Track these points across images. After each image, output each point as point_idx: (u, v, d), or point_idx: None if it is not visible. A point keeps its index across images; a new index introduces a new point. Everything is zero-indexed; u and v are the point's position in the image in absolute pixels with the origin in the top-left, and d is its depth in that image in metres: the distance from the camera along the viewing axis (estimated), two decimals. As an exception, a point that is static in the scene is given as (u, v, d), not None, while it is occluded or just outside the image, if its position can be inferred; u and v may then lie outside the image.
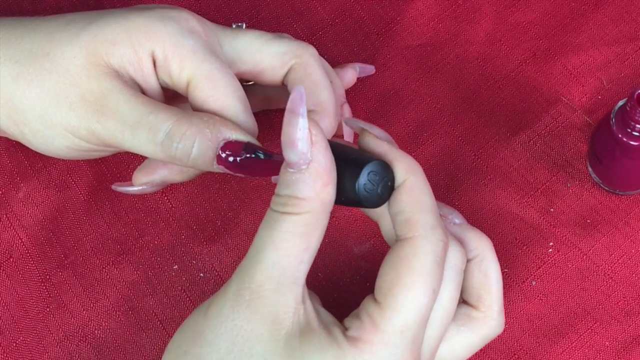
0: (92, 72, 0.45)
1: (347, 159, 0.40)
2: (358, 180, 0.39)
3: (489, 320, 0.43)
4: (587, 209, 0.54)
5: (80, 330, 0.52)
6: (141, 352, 0.52)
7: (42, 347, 0.52)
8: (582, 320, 0.51)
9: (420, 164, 0.41)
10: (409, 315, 0.38)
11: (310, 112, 0.48)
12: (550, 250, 0.53)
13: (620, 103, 0.48)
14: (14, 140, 0.55)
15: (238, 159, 0.43)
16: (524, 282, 0.52)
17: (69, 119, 0.46)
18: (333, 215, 0.48)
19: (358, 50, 0.59)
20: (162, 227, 0.54)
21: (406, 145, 0.56)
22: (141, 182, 0.50)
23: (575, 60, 0.57)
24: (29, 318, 0.52)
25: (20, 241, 0.54)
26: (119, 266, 0.53)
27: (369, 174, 0.39)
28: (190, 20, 0.47)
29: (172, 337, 0.52)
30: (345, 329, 0.39)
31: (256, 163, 0.43)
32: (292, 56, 0.49)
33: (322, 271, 0.53)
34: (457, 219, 0.44)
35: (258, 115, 0.51)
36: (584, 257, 0.52)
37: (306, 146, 0.38)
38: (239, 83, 0.47)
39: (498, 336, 0.44)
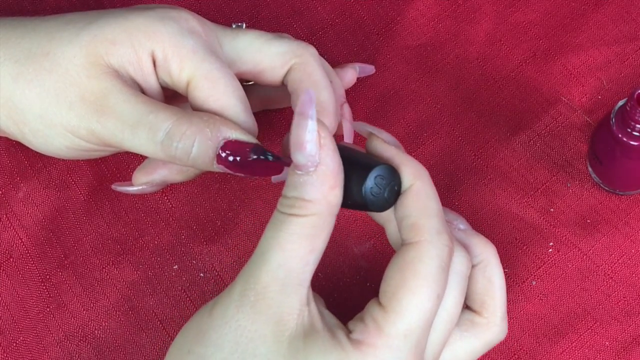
0: (92, 71, 0.45)
1: (355, 163, 0.40)
2: (365, 183, 0.39)
3: (492, 326, 0.43)
4: (587, 209, 0.54)
5: (80, 330, 0.52)
6: (141, 352, 0.52)
7: (42, 347, 0.52)
8: (582, 320, 0.51)
9: (421, 161, 0.42)
10: (413, 320, 0.38)
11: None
12: (550, 250, 0.53)
13: (620, 103, 0.48)
14: (14, 140, 0.55)
15: (243, 159, 0.43)
16: (524, 282, 0.52)
17: (69, 118, 0.46)
18: (333, 215, 0.48)
19: (358, 50, 0.59)
20: (162, 227, 0.54)
21: (406, 145, 0.56)
22: (141, 181, 0.50)
23: (575, 60, 0.57)
24: (29, 318, 0.52)
25: (20, 241, 0.54)
26: (119, 266, 0.53)
27: (375, 177, 0.39)
28: (190, 20, 0.47)
29: (172, 337, 0.52)
30: (349, 332, 0.39)
31: (256, 163, 0.43)
32: (292, 56, 0.49)
33: (322, 271, 0.53)
34: (461, 224, 0.44)
35: (258, 115, 0.51)
36: (584, 257, 0.52)
37: (315, 149, 0.38)
38: (238, 83, 0.47)
39: (498, 336, 0.44)
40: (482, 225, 0.53)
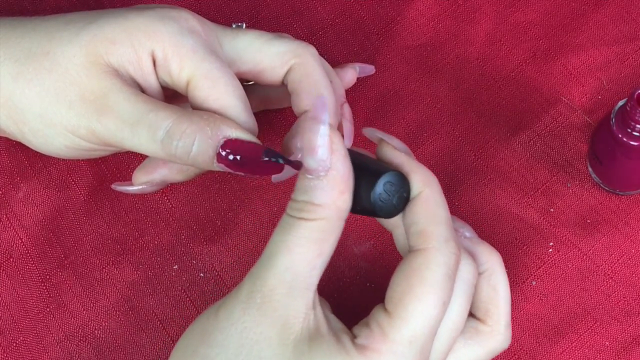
0: (91, 71, 0.45)
1: (365, 168, 0.40)
2: (374, 190, 0.39)
3: (495, 335, 0.43)
4: (587, 209, 0.54)
5: (80, 330, 0.52)
6: (141, 352, 0.52)
7: (42, 347, 0.52)
8: (582, 320, 0.51)
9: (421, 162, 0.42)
10: (418, 326, 0.38)
11: (309, 112, 0.48)
12: (550, 250, 0.53)
13: (620, 103, 0.48)
14: (14, 140, 0.55)
15: (243, 158, 0.43)
16: (524, 282, 0.52)
17: (69, 117, 0.46)
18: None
19: (358, 50, 0.59)
20: (162, 227, 0.54)
21: (406, 145, 0.56)
22: (141, 181, 0.50)
23: (575, 60, 0.57)
24: (29, 318, 0.52)
25: (20, 241, 0.54)
26: (119, 266, 0.53)
27: (385, 184, 0.40)
28: (190, 19, 0.47)
29: (172, 337, 0.52)
30: (353, 337, 0.39)
31: (257, 162, 0.43)
32: (292, 56, 0.49)
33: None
34: (467, 232, 0.44)
35: (258, 115, 0.51)
36: (584, 257, 0.52)
37: (326, 153, 0.38)
38: (238, 82, 0.47)
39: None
40: (482, 225, 0.53)
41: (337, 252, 0.53)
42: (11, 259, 0.54)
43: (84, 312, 0.52)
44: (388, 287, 0.40)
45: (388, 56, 0.58)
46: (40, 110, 0.46)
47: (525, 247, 0.53)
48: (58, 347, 0.52)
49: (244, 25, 0.52)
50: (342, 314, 0.42)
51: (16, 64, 0.46)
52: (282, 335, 0.38)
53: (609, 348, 0.50)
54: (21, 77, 0.46)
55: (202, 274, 0.53)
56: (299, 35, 0.59)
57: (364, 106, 0.57)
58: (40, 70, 0.46)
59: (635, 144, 0.47)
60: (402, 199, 0.40)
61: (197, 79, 0.45)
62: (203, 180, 0.55)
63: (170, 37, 0.46)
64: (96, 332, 0.52)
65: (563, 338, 0.51)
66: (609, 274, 0.52)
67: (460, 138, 0.56)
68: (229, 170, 0.44)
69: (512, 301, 0.51)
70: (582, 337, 0.51)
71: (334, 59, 0.58)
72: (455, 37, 0.59)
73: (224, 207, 0.55)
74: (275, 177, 0.46)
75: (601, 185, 0.53)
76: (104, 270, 0.53)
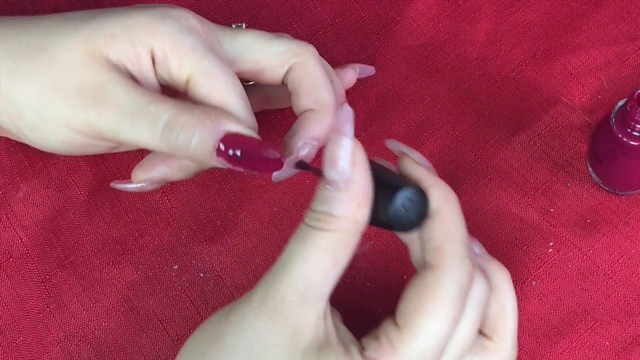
0: (89, 63, 0.45)
1: (385, 182, 0.40)
2: (393, 204, 0.39)
3: (501, 352, 0.43)
4: (587, 209, 0.54)
5: (80, 330, 0.52)
6: (141, 352, 0.52)
7: (42, 347, 0.52)
8: (582, 320, 0.51)
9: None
10: (427, 342, 0.38)
11: (310, 111, 0.48)
12: (550, 250, 0.53)
13: (620, 103, 0.48)
14: (14, 140, 0.55)
15: (243, 153, 0.43)
16: (524, 282, 0.52)
17: (65, 111, 0.45)
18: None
19: (358, 50, 0.59)
20: (162, 227, 0.54)
21: (406, 145, 0.56)
22: (140, 179, 0.49)
23: (575, 60, 0.57)
24: (29, 318, 0.52)
25: (20, 241, 0.54)
26: (119, 266, 0.53)
27: (404, 199, 0.39)
28: (190, 19, 0.47)
29: (172, 337, 0.52)
30: (362, 349, 0.39)
31: (256, 158, 0.43)
32: (292, 55, 0.49)
33: (322, 271, 0.52)
34: (477, 248, 0.44)
35: (258, 115, 0.51)
36: (584, 257, 0.52)
37: (348, 166, 0.38)
38: (238, 81, 0.46)
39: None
40: (482, 225, 0.53)
41: (337, 252, 0.53)
42: (11, 259, 0.54)
43: (84, 312, 0.52)
44: (399, 300, 0.40)
45: (388, 56, 0.58)
46: (37, 104, 0.46)
47: (525, 247, 0.53)
48: (58, 347, 0.52)
49: (244, 25, 0.52)
50: (342, 314, 0.42)
51: (15, 59, 0.46)
52: (292, 344, 0.38)
53: (609, 348, 0.50)
54: (19, 72, 0.46)
55: (202, 274, 0.53)
56: (299, 35, 0.59)
57: (364, 106, 0.57)
58: (38, 64, 0.46)
59: (635, 144, 0.47)
60: (420, 215, 0.40)
61: (196, 77, 0.45)
62: (203, 180, 0.55)
63: (170, 35, 0.46)
64: (96, 332, 0.52)
65: (563, 338, 0.51)
66: (609, 274, 0.52)
67: (460, 138, 0.56)
68: (228, 165, 0.43)
69: (512, 301, 0.51)
70: (582, 337, 0.51)
71: (334, 59, 0.58)
72: (455, 37, 0.59)
73: (224, 207, 0.55)
74: (275, 176, 0.46)
75: (601, 185, 0.53)
76: (104, 270, 0.53)
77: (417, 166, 0.42)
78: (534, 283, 0.52)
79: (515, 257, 0.53)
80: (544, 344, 0.51)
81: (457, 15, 0.59)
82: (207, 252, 0.54)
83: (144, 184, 0.49)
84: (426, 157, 0.55)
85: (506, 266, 0.51)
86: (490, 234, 0.53)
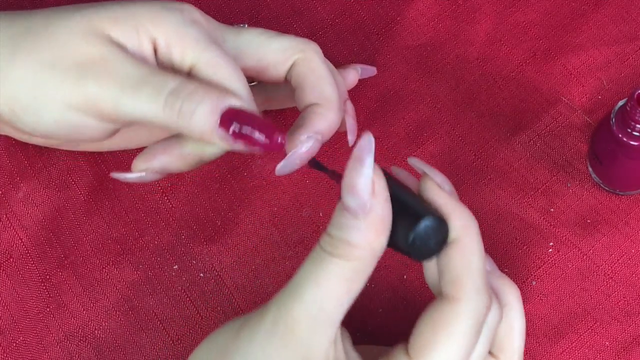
0: (91, 39, 0.44)
1: (404, 207, 0.39)
2: (412, 233, 0.38)
3: None
4: (587, 209, 0.54)
5: (80, 330, 0.52)
6: (141, 352, 0.52)
7: (42, 347, 0.52)
8: (582, 320, 0.51)
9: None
10: None
11: (314, 105, 0.47)
12: (550, 250, 0.53)
13: (620, 103, 0.48)
14: (14, 140, 0.56)
15: (241, 126, 0.42)
16: (524, 282, 0.52)
17: (63, 86, 0.44)
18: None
19: (358, 50, 0.59)
20: (162, 227, 0.54)
21: (406, 145, 0.56)
22: (140, 168, 0.47)
23: (575, 60, 0.57)
24: (29, 318, 0.52)
25: (20, 241, 0.54)
26: (119, 266, 0.53)
27: (423, 228, 0.39)
28: (193, 12, 0.47)
29: (172, 337, 0.52)
30: None
31: (258, 133, 0.42)
32: (296, 51, 0.49)
33: (322, 271, 0.52)
34: (487, 265, 0.44)
35: (258, 115, 0.51)
36: (584, 257, 0.52)
37: (367, 195, 0.38)
38: (241, 71, 0.46)
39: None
40: (482, 225, 0.53)
41: (337, 252, 0.53)
42: (11, 259, 0.54)
43: (84, 312, 0.52)
44: (413, 330, 0.40)
45: (388, 56, 0.58)
46: (34, 83, 0.45)
47: (525, 247, 0.53)
48: (58, 347, 0.52)
49: (246, 25, 0.52)
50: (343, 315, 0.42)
51: (14, 43, 0.45)
52: None
53: (609, 348, 0.50)
54: (17, 54, 0.45)
55: (202, 274, 0.53)
56: (298, 35, 0.59)
57: (364, 106, 0.57)
58: (38, 43, 0.45)
59: (635, 144, 0.47)
60: (439, 244, 0.40)
61: (199, 66, 0.45)
62: (203, 180, 0.55)
63: (173, 25, 0.45)
64: (96, 332, 0.52)
65: (563, 338, 0.51)
66: (609, 274, 0.52)
67: (460, 138, 0.56)
68: (227, 141, 0.42)
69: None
70: (582, 337, 0.51)
71: (334, 59, 0.58)
72: (455, 37, 0.59)
73: (224, 207, 0.55)
74: (278, 170, 0.46)
75: (601, 185, 0.53)
76: (104, 270, 0.53)
77: (438, 191, 0.41)
78: (534, 283, 0.52)
79: (515, 257, 0.53)
80: (544, 344, 0.51)
81: (457, 15, 0.59)
82: (207, 252, 0.54)
83: (143, 174, 0.47)
84: (426, 157, 0.55)
85: (506, 266, 0.52)
86: (490, 234, 0.53)
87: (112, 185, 0.55)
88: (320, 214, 0.54)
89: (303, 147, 0.46)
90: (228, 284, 0.53)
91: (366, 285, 0.52)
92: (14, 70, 0.45)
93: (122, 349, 0.52)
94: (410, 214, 0.39)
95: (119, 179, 0.48)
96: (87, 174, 0.56)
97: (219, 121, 0.42)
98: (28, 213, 0.55)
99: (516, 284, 0.51)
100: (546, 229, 0.53)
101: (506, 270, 0.52)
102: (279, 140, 0.43)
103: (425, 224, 0.39)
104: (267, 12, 0.60)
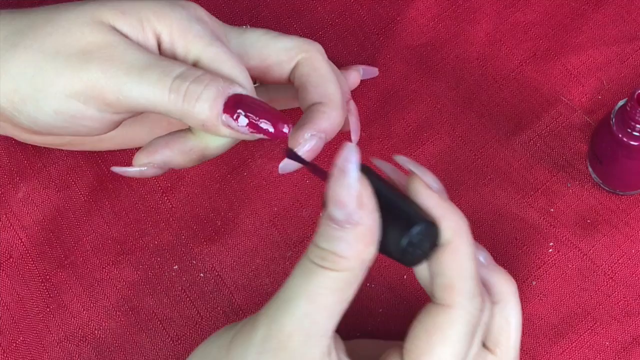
0: (95, 28, 0.44)
1: (394, 212, 0.38)
2: (402, 240, 0.38)
3: None
4: (587, 209, 0.54)
5: (80, 331, 0.52)
6: (141, 352, 0.52)
7: (42, 347, 0.52)
8: (582, 320, 0.51)
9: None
10: None
11: (317, 104, 0.47)
12: (550, 250, 0.53)
13: (620, 103, 0.48)
14: (14, 140, 0.56)
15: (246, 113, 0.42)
16: (524, 282, 0.52)
17: (65, 73, 0.44)
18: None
19: (358, 50, 0.59)
20: (162, 227, 0.54)
21: (406, 145, 0.56)
22: (142, 162, 0.47)
23: (575, 60, 0.57)
24: (29, 318, 0.52)
25: (20, 241, 0.54)
26: (119, 266, 0.53)
27: (414, 234, 0.38)
28: (198, 9, 0.47)
29: (172, 337, 0.52)
30: None
31: (263, 119, 0.42)
32: (299, 51, 0.49)
33: (322, 271, 0.52)
34: (482, 257, 0.44)
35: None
36: (584, 257, 0.52)
37: (353, 207, 0.37)
38: (245, 68, 0.45)
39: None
40: (482, 225, 0.53)
41: (337, 252, 0.53)
42: (11, 259, 0.54)
43: (84, 312, 0.52)
44: (407, 336, 0.40)
45: (388, 56, 0.58)
46: (34, 73, 0.44)
47: (525, 247, 0.53)
48: (58, 347, 0.52)
49: (248, 26, 0.52)
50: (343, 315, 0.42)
51: (16, 36, 0.45)
52: None
53: (609, 348, 0.50)
54: (20, 45, 0.45)
55: (202, 274, 0.53)
56: (298, 35, 0.59)
57: (364, 106, 0.57)
58: (40, 35, 0.44)
59: (635, 144, 0.47)
60: (430, 249, 0.39)
61: (203, 61, 0.44)
62: (203, 180, 0.55)
63: (178, 21, 0.45)
64: (96, 332, 0.52)
65: (563, 338, 0.51)
66: (609, 274, 0.52)
67: (460, 138, 0.56)
68: (230, 127, 0.42)
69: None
70: (582, 337, 0.51)
71: (334, 59, 0.58)
72: (455, 37, 0.59)
73: (224, 207, 0.55)
74: (282, 168, 0.46)
75: (601, 185, 0.53)
76: (104, 270, 0.53)
77: (427, 192, 0.40)
78: (534, 283, 0.52)
79: (515, 257, 0.53)
80: (544, 344, 0.51)
81: (457, 15, 0.59)
82: (207, 252, 0.54)
83: (145, 168, 0.47)
84: (426, 157, 0.55)
85: (506, 266, 0.51)
86: (490, 234, 0.53)
87: (112, 185, 0.55)
88: (320, 214, 0.54)
89: (306, 145, 0.46)
90: (228, 284, 0.53)
91: (366, 285, 0.52)
92: (14, 63, 0.44)
93: (122, 349, 0.52)
94: (400, 220, 0.38)
95: (119, 172, 0.48)
96: (87, 174, 0.56)
97: (223, 106, 0.42)
98: (28, 213, 0.55)
99: (516, 284, 0.51)
100: (546, 229, 0.53)
101: (506, 270, 0.52)
102: (284, 129, 0.42)
103: (416, 230, 0.38)
104: (267, 12, 0.60)
